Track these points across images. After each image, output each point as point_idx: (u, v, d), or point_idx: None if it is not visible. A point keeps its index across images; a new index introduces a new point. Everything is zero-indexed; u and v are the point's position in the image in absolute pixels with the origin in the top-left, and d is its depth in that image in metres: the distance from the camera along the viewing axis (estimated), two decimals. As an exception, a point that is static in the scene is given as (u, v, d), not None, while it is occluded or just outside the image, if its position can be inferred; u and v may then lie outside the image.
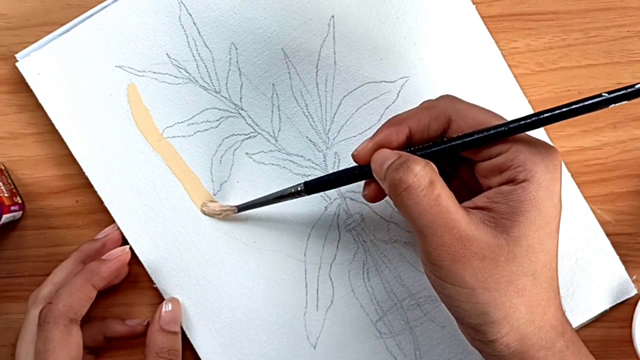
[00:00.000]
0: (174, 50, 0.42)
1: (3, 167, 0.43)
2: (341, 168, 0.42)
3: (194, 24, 0.42)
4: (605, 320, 0.43)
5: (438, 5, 0.42)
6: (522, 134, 0.31)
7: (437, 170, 0.32)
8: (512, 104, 0.42)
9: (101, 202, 0.42)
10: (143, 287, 0.43)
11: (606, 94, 0.29)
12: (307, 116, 0.42)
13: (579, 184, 0.43)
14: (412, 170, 0.31)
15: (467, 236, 0.30)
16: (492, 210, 0.31)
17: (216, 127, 0.42)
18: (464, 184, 0.36)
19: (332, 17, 0.42)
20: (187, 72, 0.42)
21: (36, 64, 0.42)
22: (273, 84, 0.42)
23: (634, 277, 0.43)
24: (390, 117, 0.35)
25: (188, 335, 0.42)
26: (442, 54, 0.42)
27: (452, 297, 0.32)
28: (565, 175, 0.42)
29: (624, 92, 0.29)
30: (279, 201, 0.40)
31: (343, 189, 0.42)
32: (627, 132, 0.43)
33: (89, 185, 0.42)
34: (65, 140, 0.42)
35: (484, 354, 0.33)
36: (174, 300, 0.42)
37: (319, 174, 0.42)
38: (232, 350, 0.42)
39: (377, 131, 0.35)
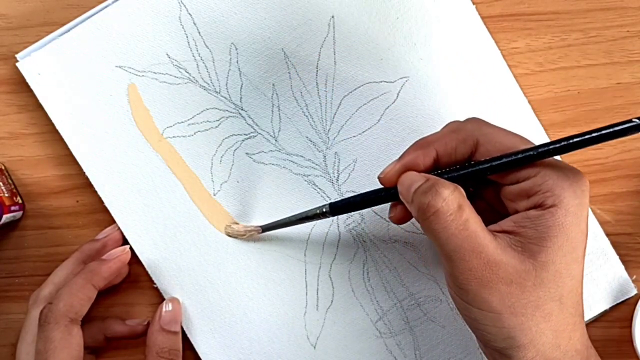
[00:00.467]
0: (174, 50, 0.42)
1: (3, 167, 0.43)
2: (341, 169, 0.42)
3: (194, 24, 0.42)
4: (605, 320, 0.43)
5: (438, 6, 0.42)
6: (550, 158, 0.31)
7: (464, 194, 0.32)
8: (511, 104, 0.43)
9: (101, 202, 0.42)
10: (143, 287, 0.43)
11: (637, 120, 0.29)
12: (307, 116, 0.42)
13: (579, 184, 0.43)
14: (440, 195, 0.31)
15: (494, 261, 0.31)
16: (519, 235, 0.31)
17: (216, 127, 0.42)
18: (488, 205, 0.36)
19: (332, 17, 0.42)
20: (187, 72, 0.42)
21: (36, 64, 0.42)
22: (273, 84, 0.42)
23: (634, 277, 0.43)
24: (417, 139, 0.35)
25: (188, 335, 0.42)
26: (442, 54, 0.42)
27: (478, 321, 0.32)
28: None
29: None
30: (304, 222, 0.39)
31: (343, 189, 0.42)
32: (627, 132, 0.43)
33: (89, 185, 0.42)
34: (66, 140, 0.42)
35: None
36: (174, 300, 0.42)
37: (319, 173, 0.42)
38: (232, 350, 0.42)
39: (404, 153, 0.35)
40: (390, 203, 0.36)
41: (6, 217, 0.40)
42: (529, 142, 0.33)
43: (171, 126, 0.42)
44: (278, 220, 0.41)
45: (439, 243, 0.31)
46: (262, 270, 0.42)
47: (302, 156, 0.43)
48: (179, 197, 0.42)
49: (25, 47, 0.42)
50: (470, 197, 0.34)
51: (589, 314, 0.43)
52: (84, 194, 0.43)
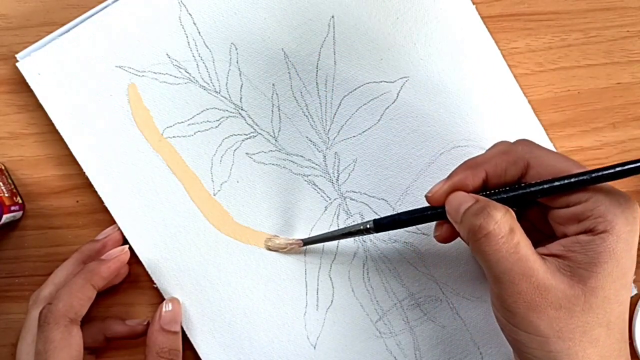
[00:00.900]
0: (174, 50, 0.42)
1: (3, 167, 0.43)
2: (341, 169, 0.42)
3: (194, 24, 0.42)
4: (605, 320, 0.43)
5: (438, 6, 0.42)
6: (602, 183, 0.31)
7: (515, 216, 0.32)
8: (511, 104, 0.43)
9: (101, 202, 0.42)
10: (143, 287, 0.43)
11: None
12: (307, 116, 0.43)
13: (578, 184, 0.43)
14: (492, 217, 0.31)
15: (544, 285, 0.31)
16: (568, 259, 0.31)
17: (216, 127, 0.42)
18: (533, 225, 0.36)
19: (332, 17, 0.42)
20: (187, 72, 0.42)
21: (36, 64, 0.42)
22: (273, 84, 0.42)
23: (634, 277, 0.43)
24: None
25: (188, 335, 0.42)
26: (442, 54, 0.42)
27: (525, 344, 0.32)
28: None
29: None
30: (346, 237, 0.40)
31: (343, 188, 0.42)
32: (627, 132, 0.43)
33: (89, 185, 0.42)
34: (66, 140, 0.42)
35: None
36: (174, 300, 0.42)
37: (319, 173, 0.42)
38: (232, 350, 0.42)
39: (452, 173, 0.35)
40: (435, 222, 0.36)
41: (6, 217, 0.40)
42: (580, 165, 0.33)
43: (171, 126, 0.42)
44: (319, 235, 0.41)
45: (488, 265, 0.31)
46: (262, 270, 0.42)
47: (302, 156, 0.43)
48: (179, 197, 0.42)
49: (25, 47, 0.42)
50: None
51: (589, 314, 0.43)
52: (84, 194, 0.43)
